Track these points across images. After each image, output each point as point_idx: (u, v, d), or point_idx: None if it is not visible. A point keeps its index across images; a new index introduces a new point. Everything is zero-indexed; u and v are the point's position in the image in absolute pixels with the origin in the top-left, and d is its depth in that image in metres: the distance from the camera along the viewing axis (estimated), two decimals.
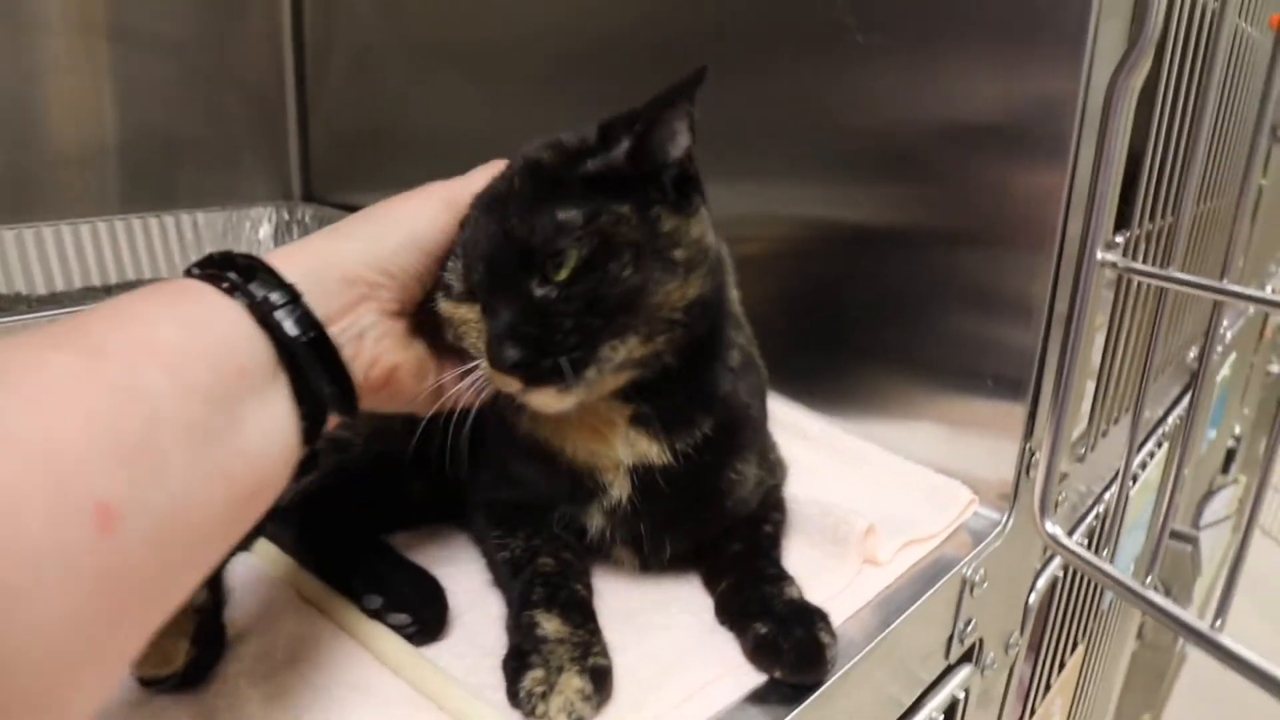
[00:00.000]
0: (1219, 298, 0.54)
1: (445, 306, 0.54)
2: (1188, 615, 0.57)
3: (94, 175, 1.22)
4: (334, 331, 0.47)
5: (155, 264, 1.22)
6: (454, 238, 0.54)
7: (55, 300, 1.08)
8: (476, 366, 0.52)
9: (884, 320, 0.77)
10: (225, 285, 0.43)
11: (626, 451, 0.56)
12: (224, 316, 0.42)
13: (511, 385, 0.50)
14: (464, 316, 0.53)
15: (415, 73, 1.21)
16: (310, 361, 0.45)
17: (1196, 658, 2.05)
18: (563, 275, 0.49)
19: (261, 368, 0.43)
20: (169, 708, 0.48)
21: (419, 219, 0.53)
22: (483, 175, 0.56)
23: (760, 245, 0.65)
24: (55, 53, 1.15)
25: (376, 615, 0.54)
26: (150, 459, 0.35)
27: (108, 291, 1.13)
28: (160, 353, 0.38)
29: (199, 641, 0.50)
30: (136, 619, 0.35)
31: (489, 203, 0.52)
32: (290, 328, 0.44)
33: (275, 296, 0.44)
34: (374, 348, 0.51)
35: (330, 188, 1.40)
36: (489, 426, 0.58)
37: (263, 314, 0.43)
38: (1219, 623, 0.56)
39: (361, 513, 0.62)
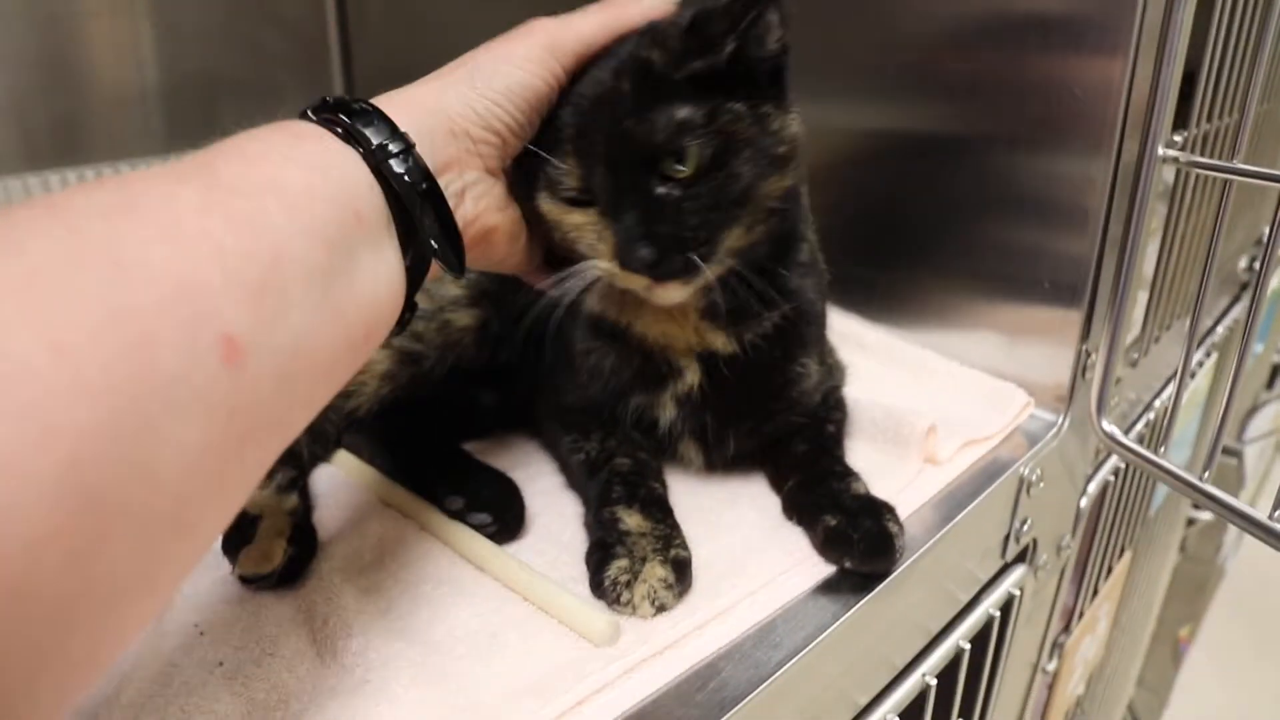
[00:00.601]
0: None
1: (554, 209, 0.53)
2: (1246, 506, 0.58)
3: (138, 117, 1.22)
4: (440, 184, 0.46)
5: None
6: (555, 89, 0.52)
7: None
8: (577, 269, 0.53)
9: (939, 229, 0.77)
10: (340, 131, 0.43)
11: (696, 339, 0.58)
12: (343, 162, 0.42)
13: (639, 283, 0.51)
14: (576, 221, 0.52)
15: (457, 9, 1.20)
16: (421, 212, 0.45)
17: (1234, 574, 2.06)
18: (687, 173, 0.50)
19: (376, 215, 0.43)
20: (272, 603, 0.51)
21: (523, 69, 0.51)
22: (590, 20, 0.53)
23: (814, 158, 0.65)
24: None
25: (458, 516, 0.56)
26: (275, 296, 0.35)
27: None
28: (286, 193, 0.38)
29: (295, 541, 0.53)
30: (259, 449, 0.36)
31: (597, 103, 0.51)
32: (404, 177, 0.44)
33: (390, 145, 0.44)
34: (474, 206, 0.50)
35: None
36: (559, 328, 0.59)
37: (377, 162, 0.43)
38: (1277, 513, 0.57)
39: (437, 422, 0.64)
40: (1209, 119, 0.77)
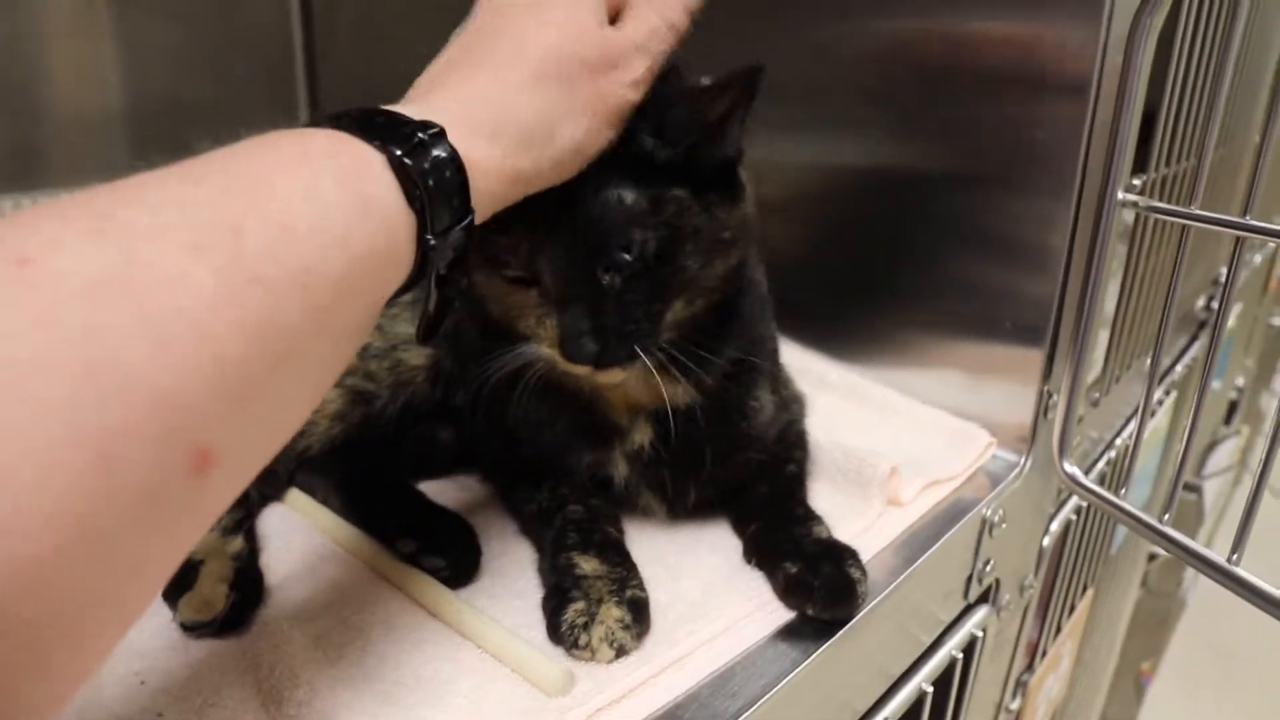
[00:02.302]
0: (1243, 233, 0.54)
1: (495, 288, 0.52)
2: (1206, 550, 0.58)
3: (101, 141, 1.20)
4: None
5: None
6: None
7: None
8: (518, 349, 0.52)
9: (902, 267, 0.77)
10: (407, 184, 0.37)
11: (649, 398, 0.57)
12: (391, 233, 0.37)
13: (582, 371, 0.51)
14: (517, 300, 0.51)
15: (424, 29, 1.18)
16: (443, 291, 0.42)
17: (1194, 606, 2.08)
18: (632, 264, 0.49)
19: (397, 288, 0.39)
20: (216, 651, 0.49)
21: None
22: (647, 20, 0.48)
23: (777, 193, 0.65)
24: (60, 17, 1.13)
25: (410, 559, 0.54)
26: (265, 405, 0.32)
27: None
28: (314, 289, 0.33)
29: (238, 587, 0.51)
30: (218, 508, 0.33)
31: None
32: (442, 251, 0.39)
33: (443, 215, 0.38)
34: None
35: None
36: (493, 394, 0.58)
37: (424, 235, 0.38)
38: (1235, 557, 0.57)
39: (391, 461, 0.63)
40: (1168, 163, 0.78)
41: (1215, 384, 1.66)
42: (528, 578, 0.56)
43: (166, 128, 1.25)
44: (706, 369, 0.56)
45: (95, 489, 0.26)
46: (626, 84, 0.47)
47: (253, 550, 0.55)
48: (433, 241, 0.38)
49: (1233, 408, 1.95)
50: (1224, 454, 1.83)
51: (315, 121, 0.40)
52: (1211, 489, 1.74)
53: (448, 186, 0.38)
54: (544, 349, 0.52)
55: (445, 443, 0.66)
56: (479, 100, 0.42)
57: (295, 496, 0.63)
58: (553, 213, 0.48)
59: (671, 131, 0.49)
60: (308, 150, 0.36)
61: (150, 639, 0.49)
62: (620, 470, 0.60)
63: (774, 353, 0.65)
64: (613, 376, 0.52)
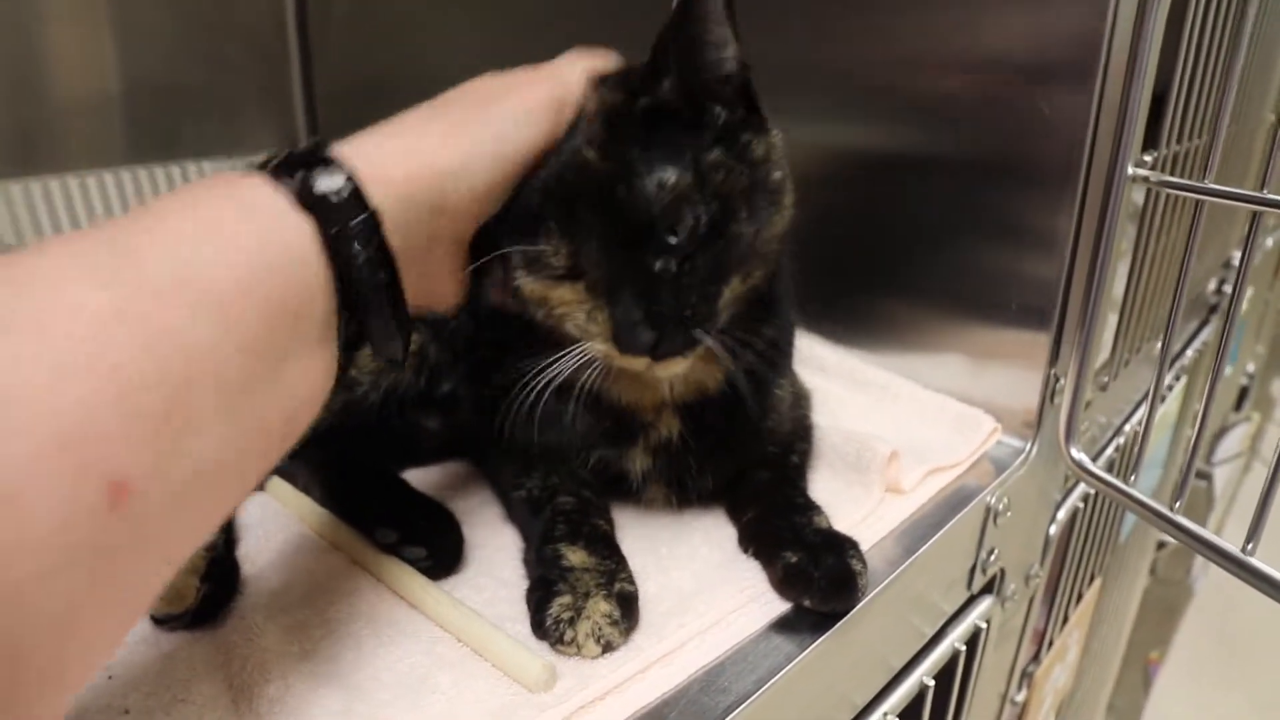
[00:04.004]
0: (1259, 207, 0.51)
1: (537, 288, 0.49)
2: (1219, 540, 0.55)
3: (97, 127, 1.19)
4: (402, 265, 0.41)
5: None
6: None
7: None
8: (570, 354, 0.49)
9: (905, 249, 0.75)
10: (301, 199, 0.37)
11: (682, 390, 0.55)
12: (294, 247, 0.36)
13: (639, 364, 0.48)
14: (564, 298, 0.49)
15: (419, 15, 1.18)
16: (373, 308, 0.40)
17: (1202, 595, 2.06)
18: (684, 243, 0.46)
19: (318, 314, 0.37)
20: (187, 645, 0.47)
21: (530, 127, 0.46)
22: (574, 65, 0.49)
23: None
24: (58, 3, 1.12)
25: (391, 549, 0.53)
26: (178, 428, 0.30)
27: None
28: (217, 301, 0.32)
29: (210, 579, 0.49)
30: (145, 582, 0.32)
31: (572, 174, 0.47)
32: (363, 269, 0.38)
33: (355, 225, 0.38)
34: (431, 280, 0.46)
35: (336, 134, 1.35)
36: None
37: (336, 248, 0.37)
38: (1250, 546, 0.55)
39: (373, 449, 0.61)
40: (1179, 140, 0.76)
41: (1226, 369, 1.63)
42: (514, 566, 0.54)
43: (162, 113, 1.24)
44: (749, 349, 0.53)
45: (1, 533, 0.25)
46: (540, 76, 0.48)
47: (229, 541, 0.54)
48: (333, 230, 0.37)
49: (1243, 393, 1.92)
50: (1234, 440, 1.80)
51: None
52: (1221, 476, 1.72)
53: (331, 177, 0.38)
54: (597, 344, 0.49)
55: (431, 431, 0.64)
56: (391, 128, 0.44)
57: (276, 485, 0.61)
58: (591, 207, 0.46)
59: (659, 71, 0.46)
60: (202, 184, 0.37)
61: None
62: (640, 464, 0.57)
63: (792, 344, 0.63)
64: (672, 367, 0.49)
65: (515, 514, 0.58)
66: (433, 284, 0.46)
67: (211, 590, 0.48)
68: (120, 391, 0.29)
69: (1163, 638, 1.86)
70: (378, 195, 0.39)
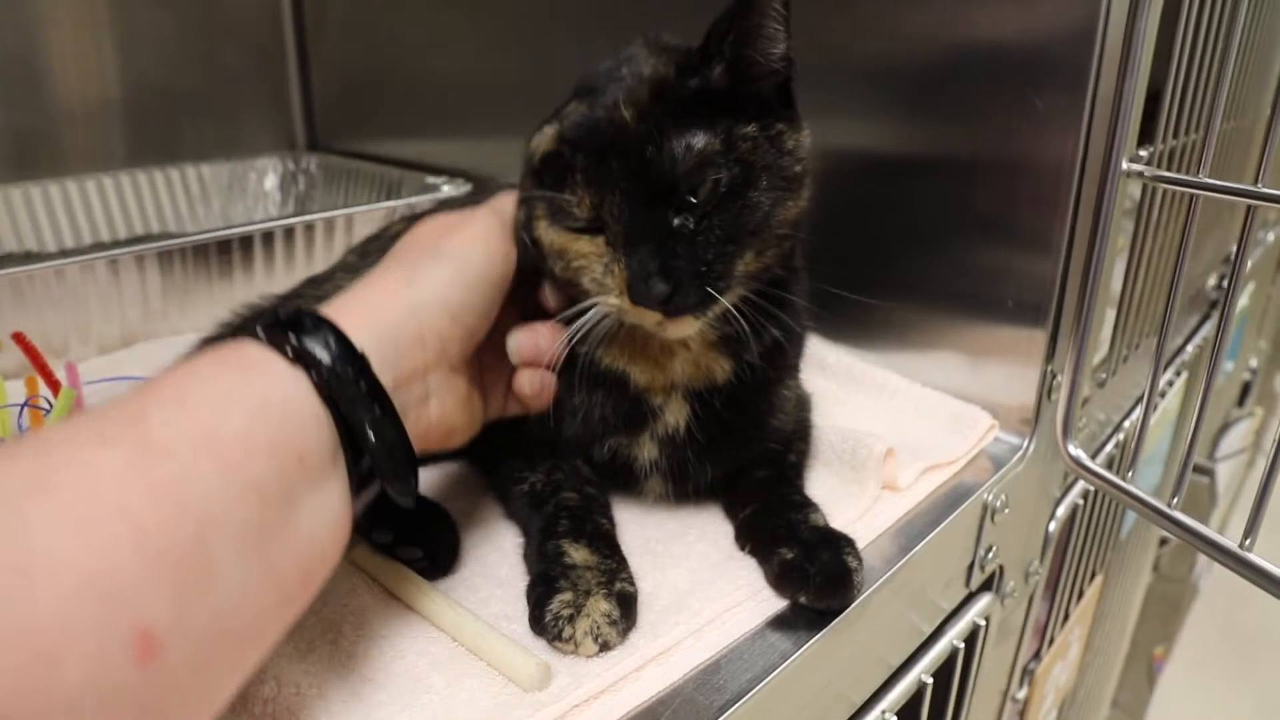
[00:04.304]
0: (1254, 201, 0.51)
1: (558, 238, 0.51)
2: (1216, 535, 0.55)
3: (97, 131, 1.20)
4: (400, 400, 0.44)
5: (163, 218, 1.20)
6: (513, 267, 0.52)
7: (65, 255, 1.06)
8: (585, 310, 0.51)
9: (902, 249, 0.75)
10: (290, 352, 0.40)
11: (691, 373, 0.56)
12: (289, 393, 0.39)
13: (651, 318, 0.50)
14: (582, 250, 0.51)
15: (415, 16, 1.18)
16: (374, 444, 0.42)
17: (1208, 591, 2.05)
18: (704, 203, 0.48)
19: (322, 452, 0.39)
20: None
21: (486, 252, 0.50)
22: (508, 198, 0.55)
23: None
24: (54, 8, 1.13)
25: (387, 550, 0.53)
26: (197, 573, 0.32)
27: (114, 246, 1.12)
28: (220, 447, 0.35)
29: None
30: None
31: (607, 132, 0.49)
32: (358, 407, 0.41)
33: (343, 368, 0.41)
34: (437, 410, 0.48)
35: (335, 136, 1.37)
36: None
37: (330, 390, 0.40)
38: (1248, 542, 0.55)
39: None
40: (1175, 135, 0.75)
41: (1228, 365, 1.63)
42: (510, 566, 0.54)
43: (161, 117, 1.25)
44: (748, 345, 0.55)
45: (35, 687, 0.26)
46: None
47: None
48: (325, 370, 0.40)
49: (1246, 389, 1.92)
50: (1237, 436, 1.80)
51: None
52: (1224, 471, 1.71)
53: (313, 327, 0.41)
54: (611, 298, 0.50)
55: None
56: (360, 285, 0.48)
57: None
58: (618, 164, 0.48)
59: (710, 54, 0.49)
60: (198, 354, 0.40)
61: None
62: (647, 453, 0.58)
63: (801, 353, 0.63)
64: (683, 327, 0.51)
65: (516, 509, 0.58)
66: (445, 416, 0.49)
67: None
68: (142, 542, 0.30)
69: (1167, 634, 1.86)
70: (359, 339, 0.42)
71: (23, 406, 0.66)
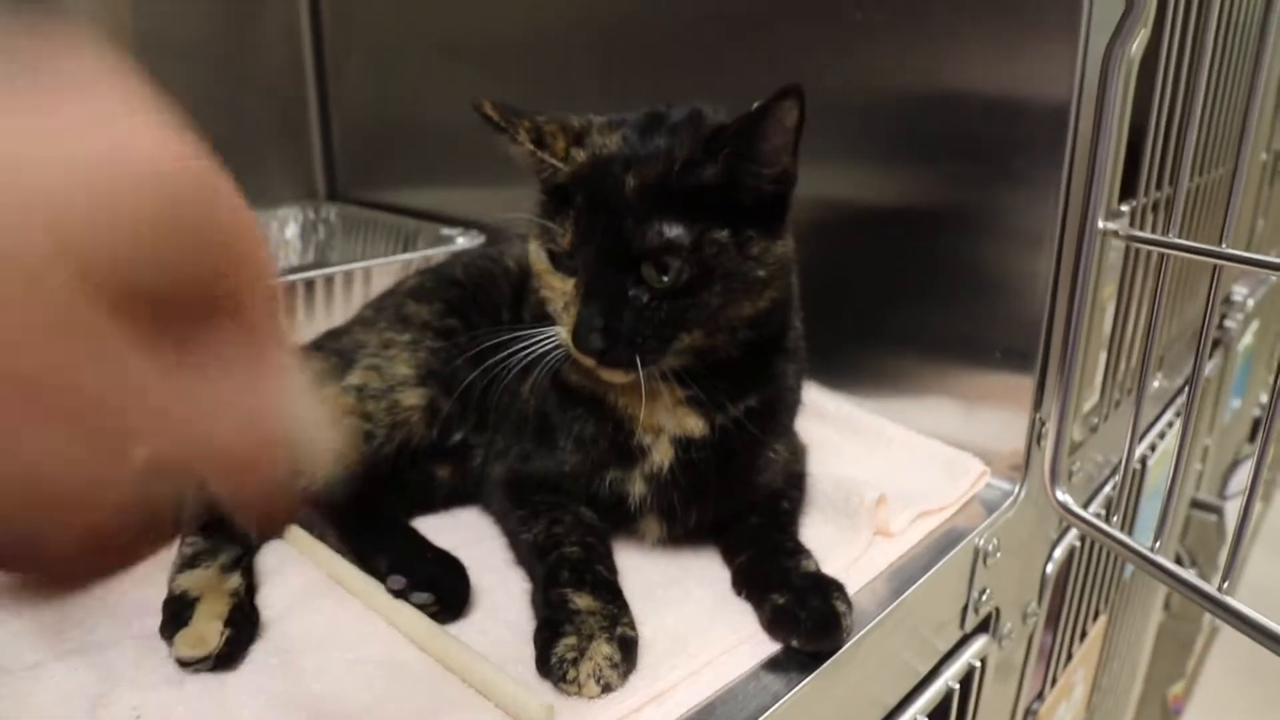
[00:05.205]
0: (1217, 261, 0.54)
1: (541, 264, 0.58)
2: (1193, 577, 0.57)
3: None
4: None
5: None
6: None
7: None
8: (543, 335, 0.58)
9: (889, 298, 0.78)
10: None
11: (671, 423, 0.60)
12: None
13: (588, 361, 0.55)
14: (554, 284, 0.57)
15: (434, 68, 1.23)
16: None
17: (1228, 632, 2.03)
18: (660, 286, 0.53)
19: None
20: (211, 686, 0.50)
21: None
22: None
23: None
24: None
25: (400, 595, 0.55)
26: None
27: None
28: None
29: (233, 623, 0.52)
30: None
31: (608, 188, 0.54)
32: None
33: None
34: None
35: (355, 186, 1.41)
36: (538, 394, 0.63)
37: None
38: (1225, 584, 0.57)
39: (387, 498, 0.64)
40: (1158, 188, 0.78)
41: (1235, 402, 1.63)
42: (517, 610, 0.57)
43: None
44: (720, 408, 0.59)
45: None
46: None
47: (249, 587, 0.57)
48: None
49: (1256, 425, 1.92)
50: (1247, 473, 1.79)
51: None
52: (1234, 509, 1.71)
53: None
54: (563, 333, 0.56)
55: (441, 480, 0.68)
56: None
57: (293, 533, 0.64)
58: (604, 221, 0.53)
59: (710, 155, 0.53)
60: None
61: (148, 673, 0.51)
62: (637, 489, 0.62)
63: (795, 407, 0.67)
64: (614, 376, 0.56)
65: (521, 554, 0.61)
66: None
67: (234, 634, 0.52)
68: None
69: (1182, 672, 1.84)
70: None
71: None
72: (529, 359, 0.58)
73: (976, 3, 0.67)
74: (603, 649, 0.50)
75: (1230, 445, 1.75)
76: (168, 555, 0.62)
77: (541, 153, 0.56)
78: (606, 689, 0.49)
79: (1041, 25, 0.65)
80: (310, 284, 0.99)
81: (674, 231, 0.53)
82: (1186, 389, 1.15)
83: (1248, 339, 1.53)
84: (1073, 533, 0.86)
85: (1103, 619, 1.07)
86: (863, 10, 0.73)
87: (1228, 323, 1.35)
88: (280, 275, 0.96)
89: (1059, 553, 0.84)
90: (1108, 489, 0.94)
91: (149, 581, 0.59)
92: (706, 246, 0.53)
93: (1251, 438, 1.88)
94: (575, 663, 0.49)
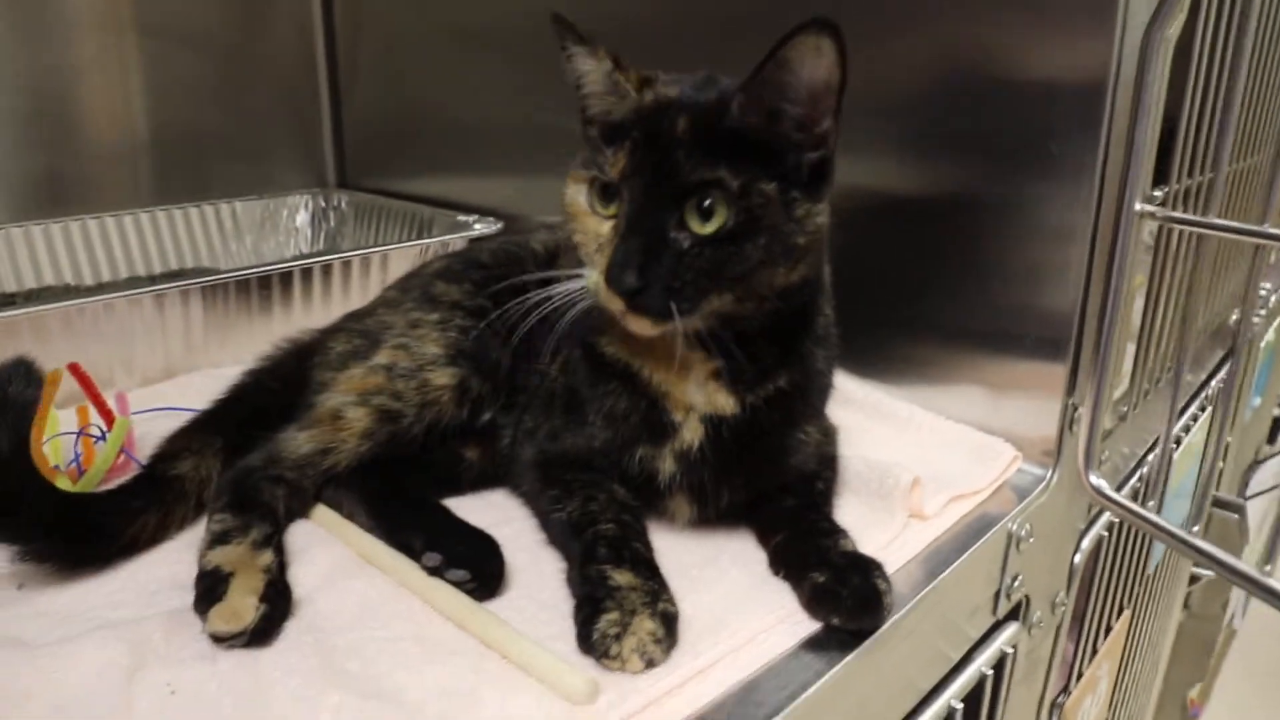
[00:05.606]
0: (1260, 241, 0.54)
1: (579, 200, 0.56)
2: (1232, 558, 0.57)
3: (128, 171, 1.23)
4: None
5: (198, 253, 1.24)
6: None
7: (103, 289, 1.09)
8: (574, 277, 0.56)
9: (920, 287, 0.78)
10: None
11: (701, 399, 0.59)
12: None
13: (616, 305, 0.53)
14: (589, 226, 0.56)
15: (444, 57, 1.22)
16: None
17: (1246, 633, 2.02)
18: (703, 232, 0.52)
19: None
20: (246, 662, 0.50)
21: None
22: None
23: None
24: (86, 51, 1.17)
25: (436, 572, 0.55)
26: None
27: (151, 281, 1.14)
28: None
29: (267, 599, 0.52)
30: None
31: (663, 126, 0.53)
32: None
33: None
34: None
35: (364, 174, 1.41)
36: (568, 369, 0.63)
37: None
38: (1269, 567, 0.56)
39: (417, 478, 0.64)
40: (1191, 174, 0.78)
41: (1255, 401, 1.62)
42: (552, 589, 0.57)
43: (191, 157, 1.28)
44: (750, 387, 0.59)
45: None
46: None
47: (281, 564, 0.56)
48: None
49: (1277, 424, 1.90)
50: (1269, 473, 1.78)
51: None
52: (1256, 509, 1.70)
53: None
54: (593, 274, 0.54)
55: (471, 461, 0.67)
56: None
57: (321, 513, 0.64)
58: (656, 156, 0.53)
59: (765, 94, 0.52)
60: None
61: (179, 649, 0.50)
62: (667, 467, 0.61)
63: (826, 391, 0.67)
64: (641, 325, 0.54)
65: (554, 534, 0.61)
66: None
67: (269, 610, 0.51)
68: None
69: (1202, 675, 1.83)
70: None
71: (78, 435, 0.69)
72: (557, 311, 0.57)
73: None
74: (646, 624, 0.49)
75: (1251, 444, 1.74)
76: (185, 535, 0.62)
77: (619, 73, 0.55)
78: (650, 664, 0.49)
79: (1077, 9, 0.64)
80: (327, 268, 0.99)
81: (722, 173, 0.52)
82: (1219, 381, 1.15)
83: (1270, 336, 1.52)
84: (1100, 523, 0.85)
85: (1126, 615, 1.06)
86: None
87: (1252, 317, 1.34)
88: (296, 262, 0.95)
89: (1087, 543, 0.83)
90: (1133, 481, 0.94)
91: (171, 559, 0.59)
92: (754, 195, 0.52)
93: (1271, 438, 1.87)
94: (619, 638, 0.49)
